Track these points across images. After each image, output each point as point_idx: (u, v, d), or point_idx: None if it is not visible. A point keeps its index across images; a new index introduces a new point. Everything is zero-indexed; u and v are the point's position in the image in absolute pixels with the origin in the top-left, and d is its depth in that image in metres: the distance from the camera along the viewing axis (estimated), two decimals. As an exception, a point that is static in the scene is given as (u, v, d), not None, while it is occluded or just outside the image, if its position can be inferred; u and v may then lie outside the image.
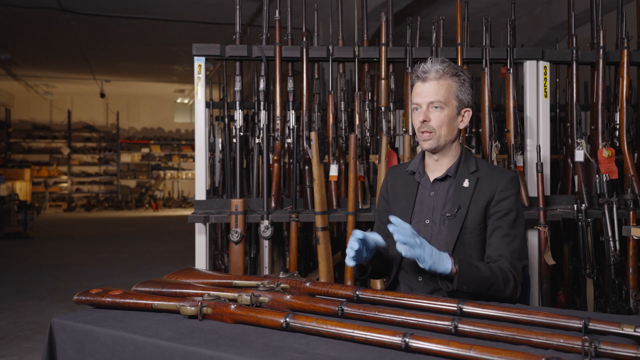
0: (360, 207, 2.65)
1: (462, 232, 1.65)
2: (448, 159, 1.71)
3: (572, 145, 2.83)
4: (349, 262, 1.54)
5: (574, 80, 2.80)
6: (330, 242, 2.60)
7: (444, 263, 1.47)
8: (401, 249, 1.42)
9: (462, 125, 1.71)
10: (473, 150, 2.81)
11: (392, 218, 1.45)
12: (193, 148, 12.50)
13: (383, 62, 2.74)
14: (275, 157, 2.75)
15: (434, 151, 1.70)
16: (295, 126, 2.78)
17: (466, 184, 1.68)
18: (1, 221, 8.86)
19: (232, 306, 1.29)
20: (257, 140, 2.80)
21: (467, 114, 1.71)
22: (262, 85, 2.77)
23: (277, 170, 2.74)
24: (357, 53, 2.76)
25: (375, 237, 1.57)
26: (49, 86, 13.63)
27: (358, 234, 1.52)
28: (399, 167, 1.87)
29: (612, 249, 2.57)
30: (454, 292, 1.53)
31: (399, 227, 1.42)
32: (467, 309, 1.26)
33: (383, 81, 2.75)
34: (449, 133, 1.67)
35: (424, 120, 1.66)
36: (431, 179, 1.73)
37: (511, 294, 1.58)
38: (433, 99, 1.65)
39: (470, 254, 1.65)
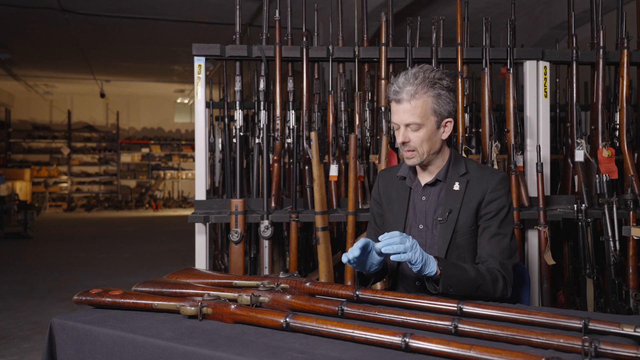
0: (360, 207, 2.65)
1: (454, 236, 1.65)
2: (436, 166, 1.71)
3: (572, 145, 2.83)
4: (344, 259, 1.50)
5: (574, 80, 2.80)
6: (330, 242, 2.60)
7: (431, 265, 1.47)
8: (394, 258, 1.41)
9: (445, 136, 1.68)
10: (473, 151, 2.81)
11: (381, 237, 1.44)
12: (193, 148, 12.50)
13: (383, 62, 2.74)
14: (275, 157, 2.75)
15: (419, 165, 1.70)
16: (295, 126, 2.78)
17: (456, 187, 1.67)
18: (1, 221, 8.86)
19: (232, 306, 1.29)
20: (257, 140, 2.80)
21: (449, 124, 1.68)
22: (262, 85, 2.77)
23: (277, 170, 2.74)
24: (357, 53, 2.76)
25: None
26: (49, 86, 13.63)
27: (359, 243, 1.47)
28: (390, 170, 1.86)
29: (612, 249, 2.57)
30: (441, 294, 1.52)
31: (387, 240, 1.41)
32: (467, 309, 1.26)
33: (383, 81, 2.75)
34: (432, 148, 1.65)
35: (404, 142, 1.64)
36: (422, 184, 1.73)
37: (501, 295, 1.58)
38: (409, 120, 1.61)
39: (463, 256, 1.66)
